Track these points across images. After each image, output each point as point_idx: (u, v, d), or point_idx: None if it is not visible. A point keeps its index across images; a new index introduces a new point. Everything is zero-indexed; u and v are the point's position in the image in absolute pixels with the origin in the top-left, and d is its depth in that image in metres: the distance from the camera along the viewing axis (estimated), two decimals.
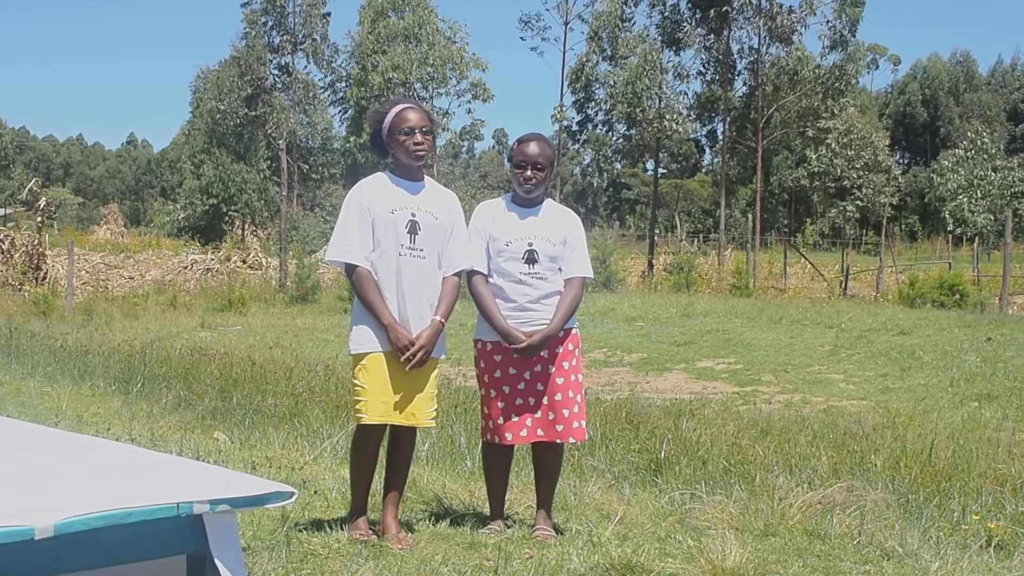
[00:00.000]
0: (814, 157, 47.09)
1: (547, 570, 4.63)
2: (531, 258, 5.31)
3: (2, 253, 26.93)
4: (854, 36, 44.06)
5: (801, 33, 43.29)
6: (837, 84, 43.05)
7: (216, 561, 2.12)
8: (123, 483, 2.22)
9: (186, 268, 32.52)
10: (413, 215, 5.08)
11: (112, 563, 2.07)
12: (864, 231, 59.77)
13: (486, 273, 5.36)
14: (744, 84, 46.47)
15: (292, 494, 2.22)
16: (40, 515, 1.85)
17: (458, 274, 5.26)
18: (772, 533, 5.43)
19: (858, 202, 47.26)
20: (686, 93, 46.14)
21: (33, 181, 34.30)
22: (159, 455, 2.68)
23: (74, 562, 1.98)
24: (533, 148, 5.38)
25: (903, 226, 71.68)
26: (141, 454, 2.69)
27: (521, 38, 53.53)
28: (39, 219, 29.17)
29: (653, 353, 15.72)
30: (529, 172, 5.34)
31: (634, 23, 45.09)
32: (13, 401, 9.84)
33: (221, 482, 2.26)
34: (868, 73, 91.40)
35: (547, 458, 5.49)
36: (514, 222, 5.38)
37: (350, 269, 5.09)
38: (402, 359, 4.98)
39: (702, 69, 45.83)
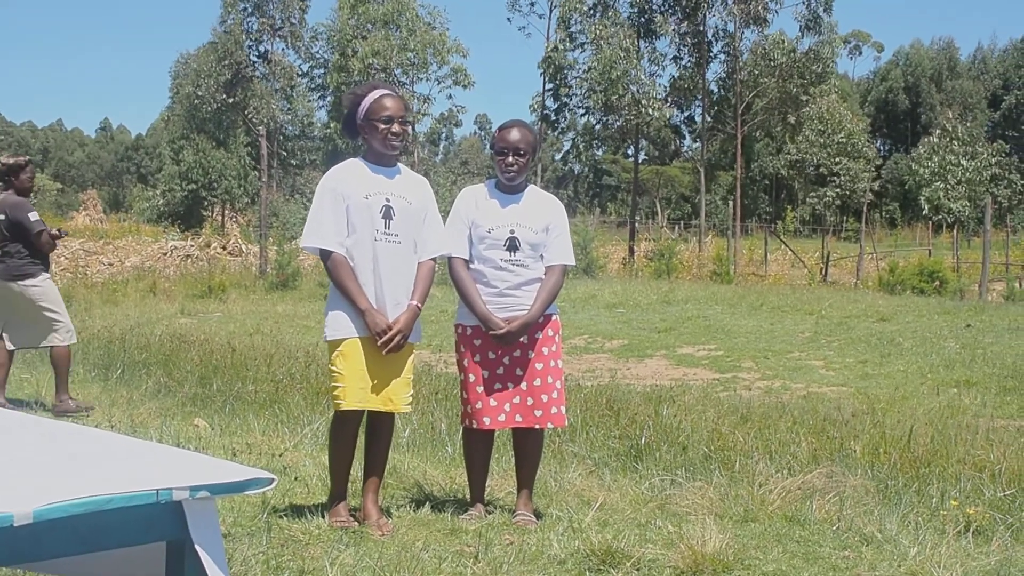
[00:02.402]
0: (792, 147, 47.17)
1: (527, 556, 4.63)
2: (512, 245, 5.31)
3: None
4: (829, 15, 43.84)
5: (776, 13, 43.22)
6: (814, 68, 43.03)
7: (196, 547, 2.12)
8: (102, 470, 2.21)
9: (166, 254, 32.44)
10: (387, 200, 5.06)
11: (91, 549, 2.06)
12: (844, 218, 59.92)
13: (467, 258, 5.36)
14: (722, 65, 46.40)
15: (272, 480, 2.22)
16: (19, 502, 1.84)
17: (434, 259, 5.26)
18: (752, 519, 5.46)
19: (837, 189, 47.35)
20: (661, 75, 46.05)
21: None
22: (139, 442, 2.67)
23: (53, 548, 1.98)
24: (514, 135, 5.38)
25: (883, 213, 71.88)
26: (120, 441, 2.68)
27: (508, 19, 53.66)
28: None
29: (634, 339, 15.76)
30: (511, 159, 5.34)
31: (612, 5, 44.73)
32: None
33: (201, 468, 2.26)
34: (851, 59, 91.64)
35: (527, 443, 5.50)
36: (496, 209, 5.38)
37: (325, 255, 5.07)
38: (379, 343, 4.98)
39: (677, 54, 45.75)
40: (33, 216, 8.82)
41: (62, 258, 28.72)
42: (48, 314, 8.88)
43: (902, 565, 4.63)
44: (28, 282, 8.81)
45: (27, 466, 2.22)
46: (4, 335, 8.99)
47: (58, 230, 9.43)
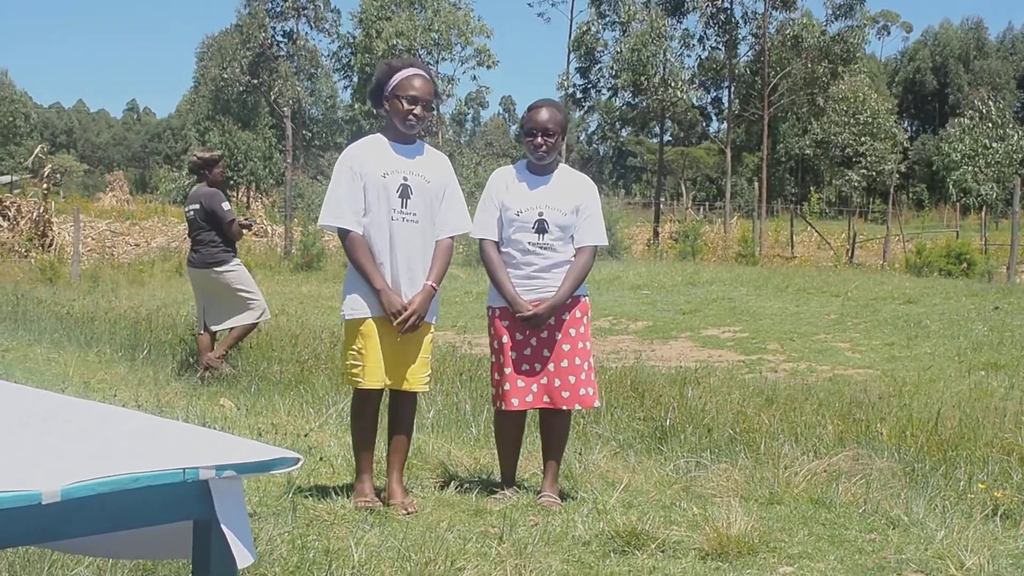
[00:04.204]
0: (817, 127, 46.87)
1: (552, 537, 4.64)
2: (541, 228, 5.32)
3: (8, 220, 26.91)
4: (862, 4, 43.69)
5: None
6: (842, 52, 42.83)
7: (223, 526, 2.12)
8: (129, 449, 2.21)
9: None
10: (405, 179, 5.06)
11: (118, 528, 2.06)
12: (871, 199, 59.56)
13: (497, 240, 5.37)
14: (749, 49, 46.20)
15: (298, 460, 2.21)
16: (47, 480, 1.84)
17: (451, 237, 5.25)
18: (777, 501, 5.44)
19: (864, 170, 47.03)
20: (689, 56, 45.96)
21: (39, 148, 34.24)
22: (165, 421, 2.68)
23: (81, 527, 1.98)
24: (543, 115, 5.37)
25: (910, 194, 71.44)
26: (147, 420, 2.68)
27: (528, 4, 53.03)
28: (45, 186, 29.13)
29: (658, 321, 15.72)
30: (539, 139, 5.34)
31: None
32: (20, 367, 9.85)
33: (227, 448, 2.25)
34: (879, 39, 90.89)
35: (553, 425, 5.50)
36: (525, 191, 5.38)
37: (343, 233, 5.08)
38: (395, 324, 4.98)
39: (704, 34, 45.59)
40: (226, 206, 9.45)
41: (89, 239, 28.82)
42: (243, 295, 9.52)
43: (929, 548, 4.61)
44: (222, 268, 9.47)
45: (55, 445, 2.23)
46: (204, 319, 9.62)
47: (246, 219, 9.83)
